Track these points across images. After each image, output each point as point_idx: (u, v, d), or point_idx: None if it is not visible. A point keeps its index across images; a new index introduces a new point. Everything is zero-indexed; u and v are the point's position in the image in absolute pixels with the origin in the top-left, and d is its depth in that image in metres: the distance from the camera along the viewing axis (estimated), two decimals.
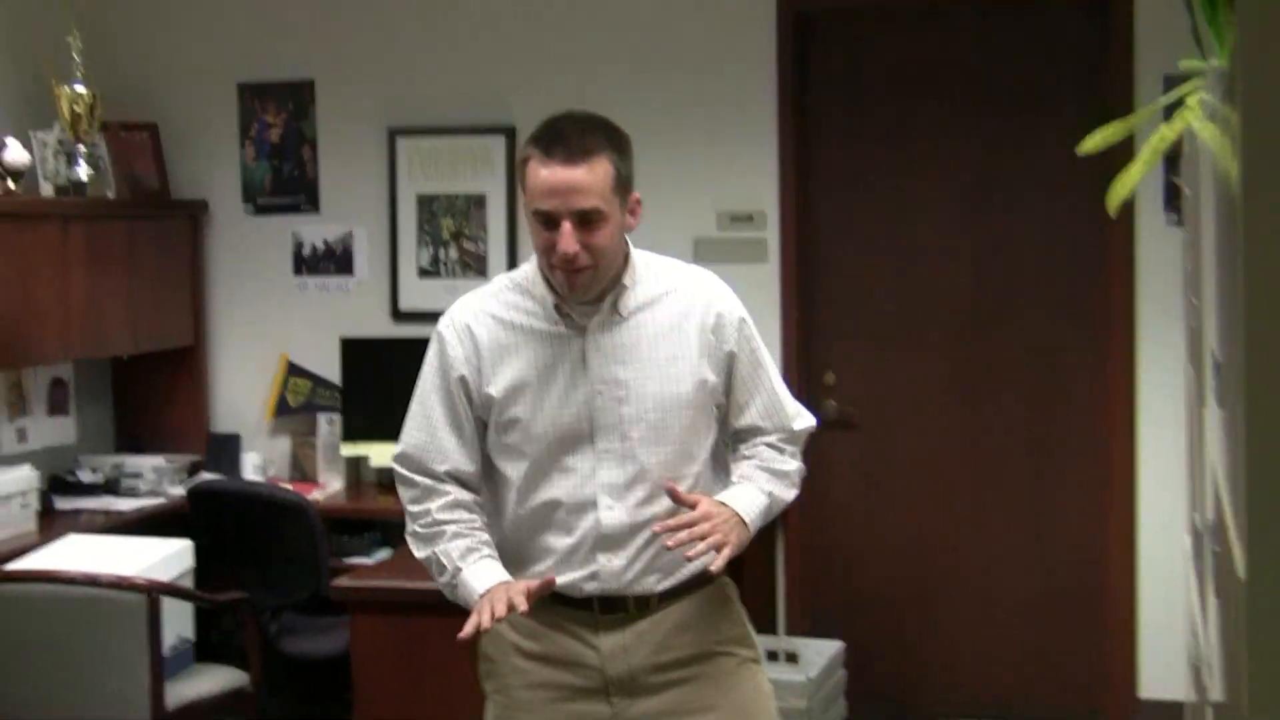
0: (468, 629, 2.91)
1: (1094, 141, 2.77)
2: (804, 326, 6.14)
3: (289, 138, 6.47)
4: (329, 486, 6.18)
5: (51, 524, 5.47)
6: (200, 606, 5.06)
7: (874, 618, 6.14)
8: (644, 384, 3.12)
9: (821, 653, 5.39)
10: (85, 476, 6.03)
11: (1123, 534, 5.89)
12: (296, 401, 6.38)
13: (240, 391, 6.51)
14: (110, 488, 5.99)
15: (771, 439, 3.26)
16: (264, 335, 6.48)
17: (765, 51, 6.05)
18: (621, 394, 3.11)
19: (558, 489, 3.12)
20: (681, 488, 3.10)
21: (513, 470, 3.15)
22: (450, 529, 3.12)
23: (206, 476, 6.04)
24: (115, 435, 6.47)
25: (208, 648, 5.27)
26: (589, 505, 3.11)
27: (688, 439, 3.16)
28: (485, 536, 3.14)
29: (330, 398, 6.33)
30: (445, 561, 3.09)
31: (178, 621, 4.86)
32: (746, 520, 3.10)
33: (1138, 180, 2.75)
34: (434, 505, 3.14)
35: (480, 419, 3.17)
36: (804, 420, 3.34)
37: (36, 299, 5.51)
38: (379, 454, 6.01)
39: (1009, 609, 6.07)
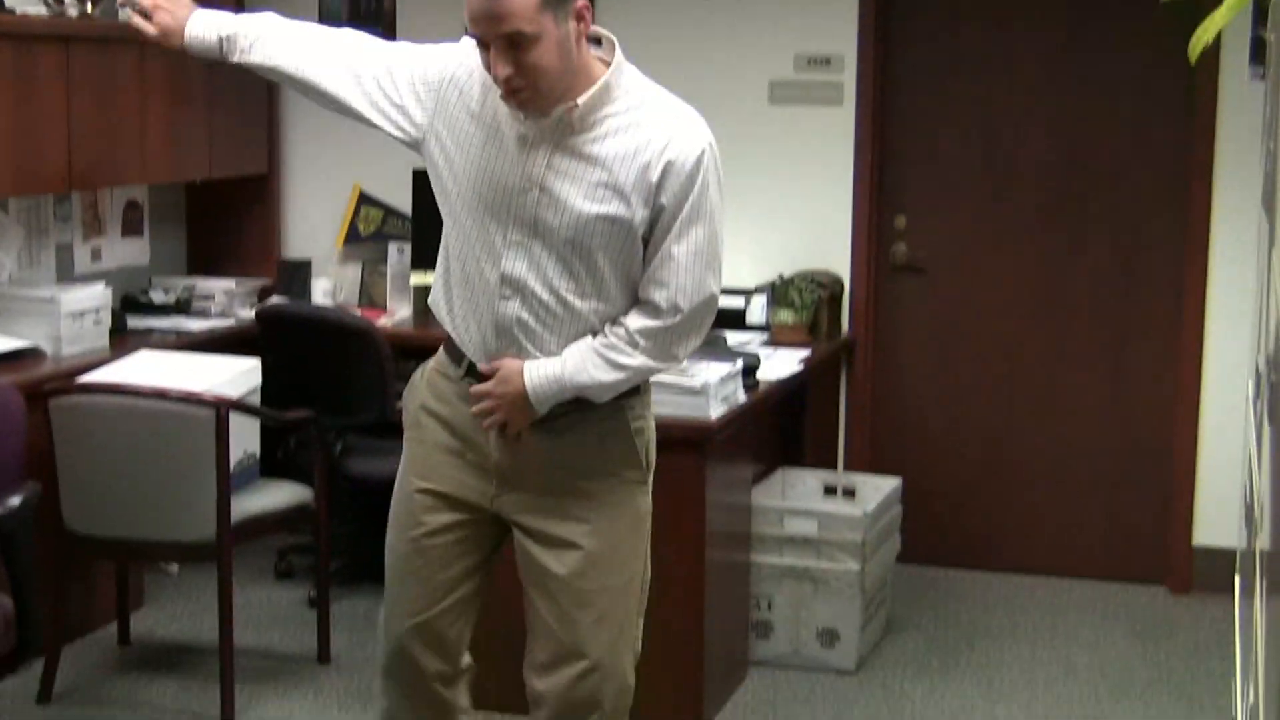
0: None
1: None
2: (878, 170, 6.12)
3: None
4: (397, 314, 6.24)
5: (123, 342, 5.53)
6: (267, 426, 5.14)
7: (934, 461, 6.19)
8: (569, 200, 3.15)
9: (879, 488, 5.43)
10: (157, 297, 6.11)
11: (1189, 387, 5.90)
12: (367, 230, 6.43)
13: (312, 219, 6.56)
14: (181, 309, 6.06)
15: (636, 323, 3.19)
16: (337, 164, 6.51)
17: None
18: (546, 200, 3.16)
19: (471, 259, 3.23)
20: (587, 321, 3.19)
21: (445, 222, 3.29)
22: None
23: (276, 300, 6.11)
24: (188, 258, 6.55)
25: (273, 467, 5.35)
26: (493, 290, 3.21)
27: (599, 267, 3.17)
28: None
29: (401, 227, 6.37)
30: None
31: (245, 437, 4.93)
32: (532, 400, 3.19)
33: (1220, 26, 2.68)
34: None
35: (403, 106, 3.28)
36: (685, 297, 3.16)
37: (116, 122, 5.55)
38: None
39: (1072, 462, 6.11)
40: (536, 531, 3.29)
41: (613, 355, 3.19)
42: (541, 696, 3.34)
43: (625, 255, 3.18)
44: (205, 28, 3.42)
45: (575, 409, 3.25)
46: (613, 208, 3.14)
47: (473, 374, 3.28)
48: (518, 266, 3.18)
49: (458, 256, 3.26)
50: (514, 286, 3.19)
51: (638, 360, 3.20)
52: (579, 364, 3.19)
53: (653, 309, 3.20)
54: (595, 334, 3.21)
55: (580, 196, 3.14)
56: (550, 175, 3.15)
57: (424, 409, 3.37)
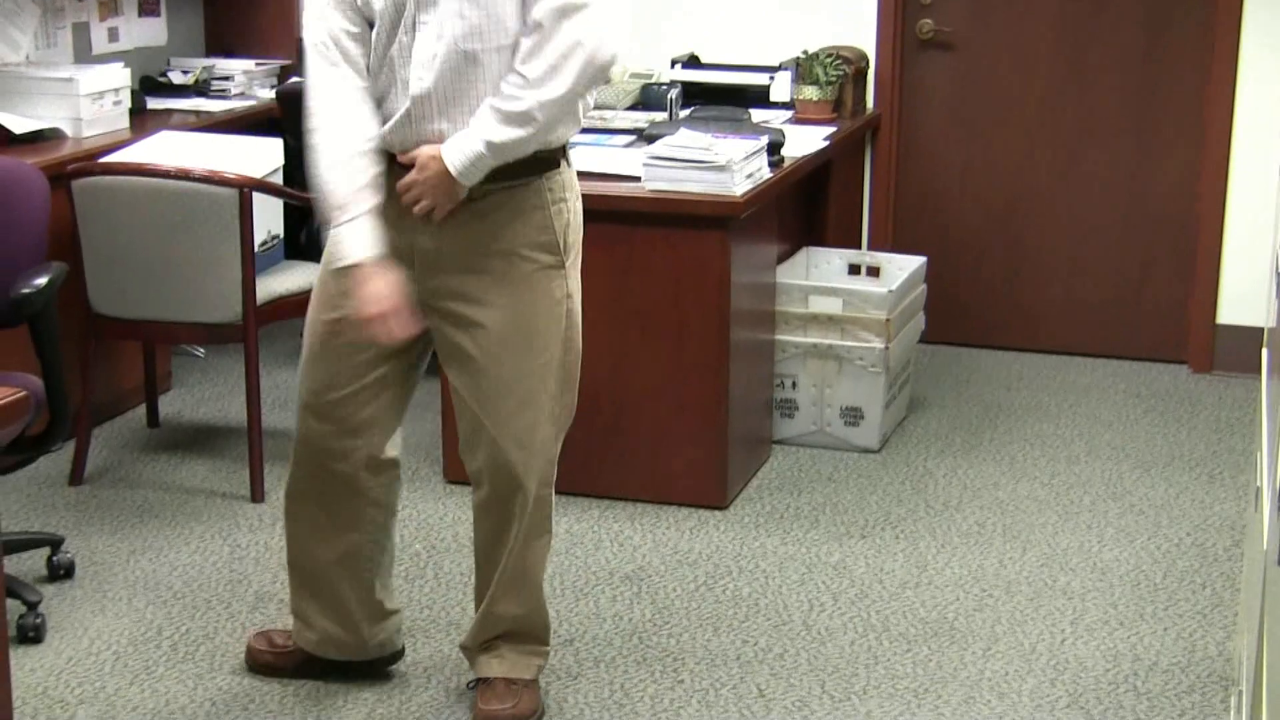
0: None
1: None
2: None
3: None
4: None
5: (143, 123, 5.50)
6: (290, 207, 5.12)
7: (957, 240, 6.17)
8: None
9: (903, 267, 5.42)
10: (176, 78, 6.06)
11: (1216, 160, 5.84)
12: None
13: None
14: (201, 90, 6.01)
15: (521, 59, 3.19)
16: None
17: None
18: None
19: (391, 53, 3.25)
20: (493, 69, 3.20)
21: (371, 26, 3.30)
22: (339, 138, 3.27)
23: (296, 80, 6.04)
24: (205, 38, 6.47)
25: (296, 250, 5.35)
26: (408, 74, 3.24)
27: (498, 10, 3.18)
28: (367, 159, 3.28)
29: None
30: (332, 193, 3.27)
31: (268, 218, 4.92)
32: (454, 174, 3.21)
33: None
34: (322, 93, 3.29)
35: None
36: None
37: None
38: None
39: (1096, 240, 6.08)
40: (452, 313, 3.35)
41: (509, 106, 3.19)
42: (475, 475, 3.47)
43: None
44: (374, 236, 3.28)
45: (496, 187, 3.28)
46: None
47: (394, 166, 3.31)
48: (428, 44, 3.20)
49: (380, 59, 3.26)
50: (425, 66, 3.21)
51: (530, 99, 3.17)
52: (485, 127, 3.20)
53: (537, 29, 3.18)
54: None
55: None
56: None
57: None
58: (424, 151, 3.25)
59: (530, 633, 3.60)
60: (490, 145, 3.20)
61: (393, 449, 3.55)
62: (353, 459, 3.50)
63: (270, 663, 3.74)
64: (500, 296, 3.33)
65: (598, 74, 3.23)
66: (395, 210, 3.32)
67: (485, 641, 3.59)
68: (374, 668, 3.74)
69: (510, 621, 3.56)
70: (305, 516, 3.58)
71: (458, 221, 3.30)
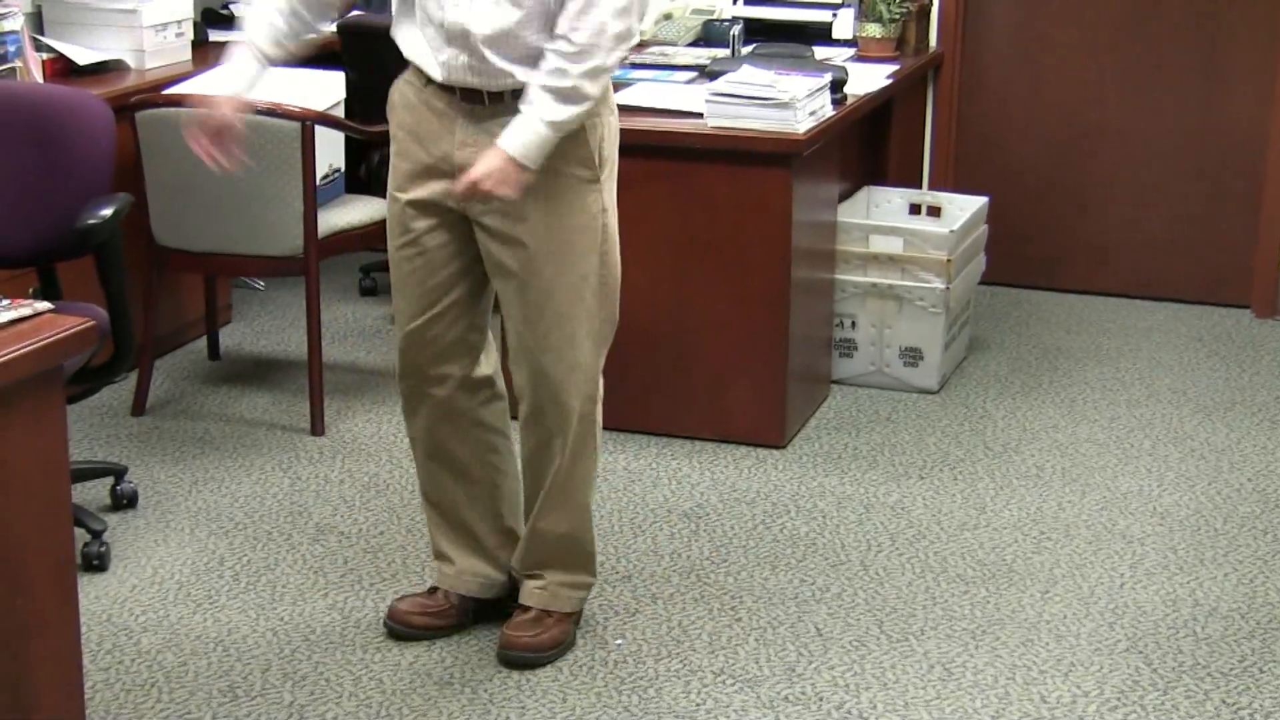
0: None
1: None
2: None
3: None
4: None
5: (205, 55, 5.50)
6: (351, 141, 5.12)
7: (1019, 180, 6.12)
8: None
9: (965, 207, 5.38)
10: (238, 9, 6.05)
11: None
12: None
13: None
14: None
15: (562, 39, 3.21)
16: None
17: None
18: None
19: None
20: (529, 11, 3.22)
21: None
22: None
23: (358, 13, 6.03)
24: None
25: (356, 184, 5.35)
26: (445, 5, 3.26)
27: None
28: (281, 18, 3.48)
29: None
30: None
31: (330, 151, 4.92)
32: (526, 163, 3.22)
33: None
34: None
35: None
36: None
37: None
38: None
39: (1160, 182, 6.03)
40: (493, 229, 3.38)
41: (559, 82, 3.20)
42: (519, 389, 3.49)
43: None
44: (244, 76, 3.53)
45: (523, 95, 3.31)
46: None
47: (432, 84, 3.34)
48: None
49: None
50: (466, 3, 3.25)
51: (578, 70, 3.20)
52: (542, 107, 3.21)
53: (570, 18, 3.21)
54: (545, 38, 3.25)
55: None
56: None
57: (397, 124, 3.45)
58: (487, 154, 3.23)
59: (576, 560, 3.60)
60: (552, 125, 3.22)
61: (486, 367, 3.57)
62: (447, 383, 3.52)
63: (429, 624, 3.65)
64: (538, 212, 3.34)
65: (629, 38, 3.29)
66: (431, 127, 3.35)
67: (531, 566, 3.60)
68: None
69: (556, 541, 3.56)
70: (423, 450, 3.60)
71: (493, 136, 3.29)
